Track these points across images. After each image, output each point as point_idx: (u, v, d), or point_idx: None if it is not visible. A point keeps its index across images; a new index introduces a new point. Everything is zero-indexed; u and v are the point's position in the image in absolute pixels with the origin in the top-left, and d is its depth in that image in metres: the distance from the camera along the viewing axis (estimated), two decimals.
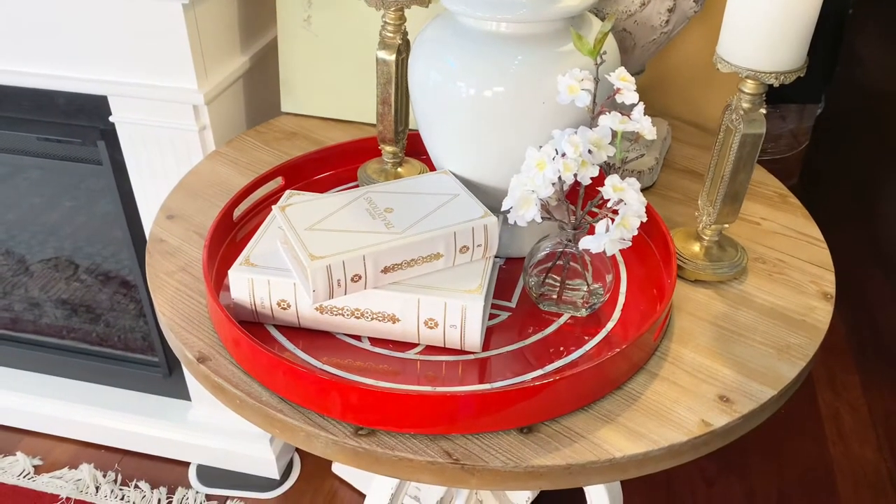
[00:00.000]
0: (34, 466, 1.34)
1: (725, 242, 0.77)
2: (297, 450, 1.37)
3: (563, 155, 0.58)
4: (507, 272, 0.74)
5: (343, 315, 0.64)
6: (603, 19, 0.78)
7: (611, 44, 0.68)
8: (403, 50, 0.77)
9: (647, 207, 0.75)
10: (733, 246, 0.77)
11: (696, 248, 0.76)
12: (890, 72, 2.49)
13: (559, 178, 0.60)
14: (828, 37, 1.28)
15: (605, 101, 0.62)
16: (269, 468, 1.30)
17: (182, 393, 1.32)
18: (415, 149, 0.85)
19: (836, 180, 2.02)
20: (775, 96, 1.48)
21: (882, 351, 1.64)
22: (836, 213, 1.93)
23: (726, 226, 0.75)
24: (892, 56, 2.57)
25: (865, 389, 1.53)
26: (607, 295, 0.69)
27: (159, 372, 1.32)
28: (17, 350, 1.38)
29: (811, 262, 0.78)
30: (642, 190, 0.88)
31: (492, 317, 0.69)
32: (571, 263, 0.67)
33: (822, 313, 0.72)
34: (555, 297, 0.69)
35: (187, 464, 1.34)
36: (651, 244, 0.77)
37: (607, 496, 0.94)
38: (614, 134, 0.61)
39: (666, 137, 0.95)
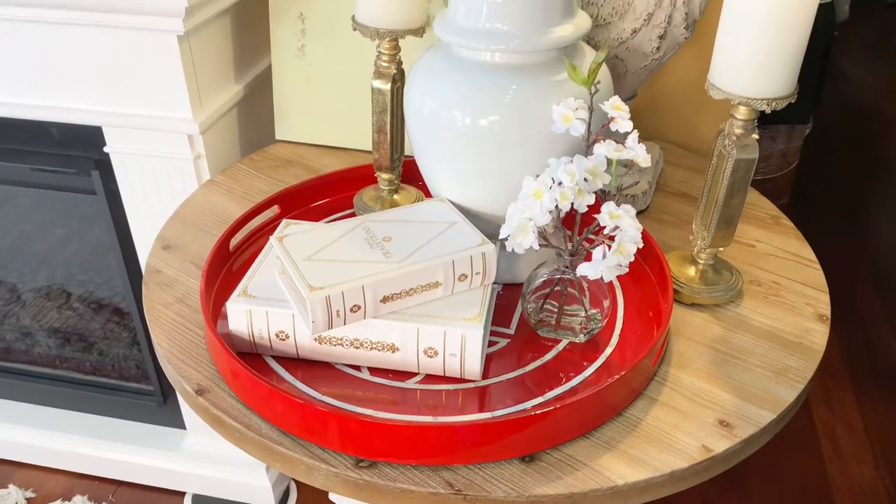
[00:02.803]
0: (27, 499, 1.32)
1: (720, 266, 0.77)
2: (294, 477, 1.36)
3: (560, 184, 0.59)
4: (506, 298, 0.75)
5: (342, 345, 0.64)
6: (594, 47, 0.79)
7: (604, 72, 0.69)
8: (398, 79, 0.78)
9: (642, 233, 0.76)
10: (728, 269, 0.77)
11: (692, 271, 0.76)
12: (875, 90, 2.52)
13: (556, 206, 0.60)
14: (815, 59, 1.30)
15: (599, 129, 0.63)
16: (266, 497, 1.29)
17: (177, 422, 1.31)
18: (410, 175, 0.86)
19: (827, 198, 2.04)
20: (765, 117, 1.50)
21: (875, 367, 1.65)
22: (828, 231, 1.95)
23: (721, 249, 0.75)
24: (876, 75, 2.60)
25: (861, 407, 1.54)
26: (605, 321, 0.69)
27: (154, 401, 1.30)
28: (9, 381, 1.37)
29: (806, 283, 0.79)
30: (636, 214, 0.89)
31: (491, 343, 0.69)
32: (569, 289, 0.67)
33: (819, 335, 0.72)
34: (553, 323, 0.69)
35: (183, 493, 1.33)
36: (647, 269, 0.77)
37: None
38: (609, 161, 0.61)
39: (658, 161, 0.96)
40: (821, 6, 1.33)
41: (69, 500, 1.32)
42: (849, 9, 1.46)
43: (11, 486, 1.34)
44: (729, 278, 0.76)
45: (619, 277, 0.77)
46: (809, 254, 0.84)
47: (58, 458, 1.36)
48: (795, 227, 0.89)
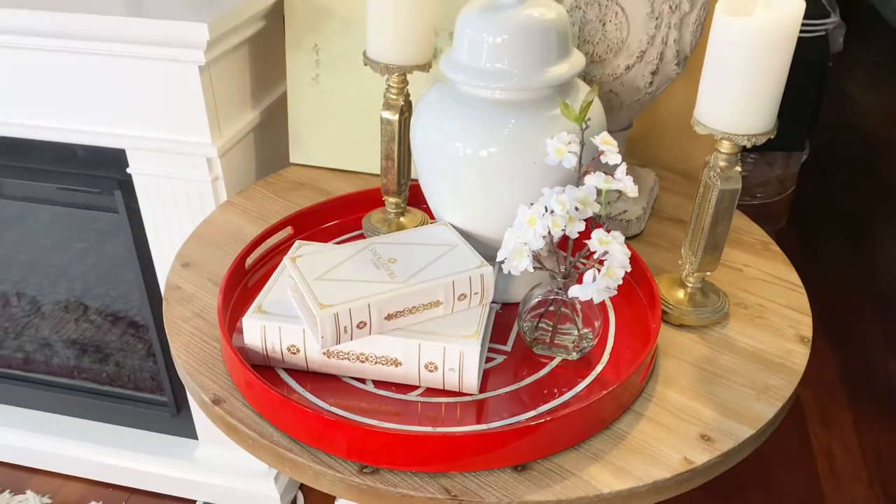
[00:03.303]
0: None
1: (708, 289, 0.81)
2: (301, 487, 1.40)
3: (552, 212, 0.63)
4: (504, 316, 0.79)
5: (349, 359, 0.69)
6: (590, 82, 0.84)
7: (596, 107, 0.73)
8: (406, 110, 0.83)
9: (633, 256, 0.80)
10: (716, 292, 0.81)
11: (681, 294, 0.81)
12: (879, 113, 2.57)
13: (549, 232, 0.65)
14: (809, 89, 1.35)
15: (590, 161, 0.68)
16: None
17: (189, 432, 1.36)
18: (416, 199, 0.91)
19: (829, 220, 2.08)
20: (762, 145, 1.55)
21: (874, 388, 1.68)
22: (830, 252, 1.98)
23: (708, 273, 0.79)
24: (881, 98, 2.65)
25: (857, 426, 1.57)
26: (596, 339, 0.73)
27: (167, 411, 1.35)
28: (28, 390, 1.42)
29: (790, 307, 0.83)
30: (630, 238, 0.93)
31: (488, 360, 0.73)
32: (562, 309, 0.72)
33: (800, 356, 0.76)
34: (547, 341, 0.73)
35: (193, 502, 1.37)
36: (638, 290, 0.81)
37: None
38: (599, 191, 0.66)
39: (653, 187, 1.00)
40: (816, 38, 1.38)
41: None
42: (843, 41, 1.51)
43: (29, 492, 1.38)
44: (716, 301, 0.80)
45: (611, 298, 0.81)
46: (795, 278, 0.88)
47: (74, 466, 1.41)
48: (784, 252, 0.93)
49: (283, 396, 0.65)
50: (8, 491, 1.39)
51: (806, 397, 1.63)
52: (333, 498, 1.22)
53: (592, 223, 0.67)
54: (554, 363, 0.73)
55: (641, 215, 0.94)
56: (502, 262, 0.67)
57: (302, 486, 1.41)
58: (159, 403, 1.36)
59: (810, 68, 1.31)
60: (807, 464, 1.48)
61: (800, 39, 1.39)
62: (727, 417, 0.69)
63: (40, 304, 1.43)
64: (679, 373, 0.74)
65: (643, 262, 0.81)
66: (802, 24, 1.23)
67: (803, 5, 0.64)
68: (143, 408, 1.37)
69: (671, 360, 0.75)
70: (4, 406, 1.45)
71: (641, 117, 1.09)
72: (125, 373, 1.39)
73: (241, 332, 0.72)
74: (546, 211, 0.64)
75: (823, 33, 1.29)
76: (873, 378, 1.71)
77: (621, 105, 0.87)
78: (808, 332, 0.80)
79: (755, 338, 0.78)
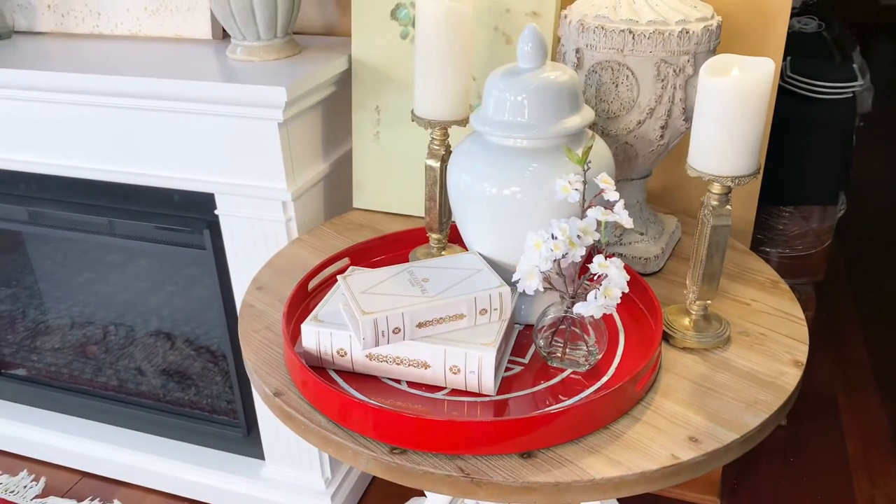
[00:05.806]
0: None
1: (712, 317, 0.91)
2: None
3: (554, 237, 0.75)
4: (525, 336, 0.90)
5: (387, 362, 0.81)
6: (607, 135, 0.97)
7: (603, 154, 0.86)
8: (446, 158, 0.97)
9: (643, 287, 0.91)
10: (718, 320, 0.91)
11: (686, 321, 0.90)
12: None
13: (562, 255, 0.77)
14: (838, 148, 1.43)
15: (594, 197, 0.80)
16: None
17: (257, 452, 1.50)
18: (456, 236, 1.04)
19: (885, 275, 2.09)
20: (798, 199, 1.62)
21: None
22: (886, 307, 1.98)
23: (709, 302, 0.89)
24: None
25: None
26: (601, 354, 0.83)
27: (239, 432, 1.50)
28: (120, 409, 1.60)
29: (790, 336, 0.91)
30: (649, 275, 1.04)
31: (508, 369, 0.85)
32: (572, 328, 0.83)
33: (791, 377, 0.84)
34: (559, 355, 0.84)
35: None
36: (648, 316, 0.91)
37: None
38: (600, 223, 0.78)
39: (674, 231, 1.10)
40: (844, 100, 1.47)
41: None
42: (871, 102, 1.59)
43: (116, 501, 1.54)
44: (718, 327, 0.90)
45: (623, 322, 0.92)
46: (798, 313, 0.96)
47: (155, 480, 1.57)
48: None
49: (331, 387, 0.78)
50: (98, 499, 1.55)
51: (853, 450, 1.64)
52: None
53: (603, 252, 0.79)
54: (566, 373, 0.84)
55: (660, 255, 1.04)
56: (517, 282, 0.79)
57: None
58: (233, 426, 1.51)
59: (838, 128, 1.39)
60: None
61: (828, 101, 1.49)
62: (716, 424, 0.77)
63: (135, 337, 1.62)
64: (678, 387, 0.83)
65: (652, 292, 0.91)
66: (831, 87, 1.36)
67: (772, 67, 0.75)
68: (219, 429, 1.53)
69: (673, 376, 0.85)
70: (98, 423, 1.64)
71: (672, 171, 1.20)
72: (205, 398, 1.55)
73: (300, 342, 0.86)
74: (550, 237, 0.76)
75: (851, 95, 1.38)
76: None
77: (637, 155, 0.99)
78: (803, 357, 0.87)
79: (752, 360, 0.87)
